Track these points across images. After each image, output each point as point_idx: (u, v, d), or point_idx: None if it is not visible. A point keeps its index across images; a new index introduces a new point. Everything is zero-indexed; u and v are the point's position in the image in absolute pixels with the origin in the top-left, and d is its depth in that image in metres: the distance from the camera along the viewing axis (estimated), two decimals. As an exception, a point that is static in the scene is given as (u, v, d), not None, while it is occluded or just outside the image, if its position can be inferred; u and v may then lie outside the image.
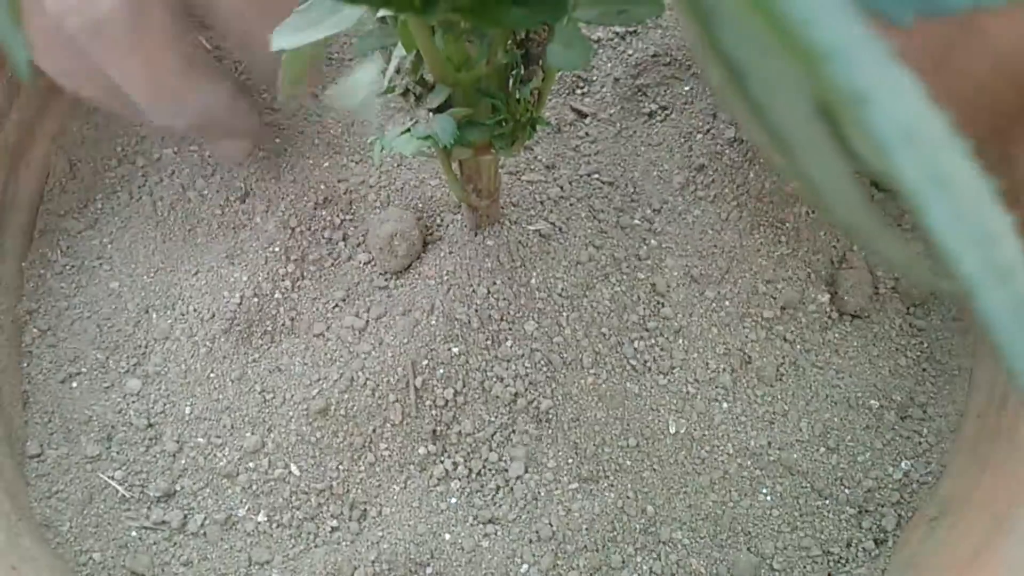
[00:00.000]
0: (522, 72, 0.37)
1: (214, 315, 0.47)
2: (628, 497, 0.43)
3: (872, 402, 0.45)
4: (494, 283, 0.45)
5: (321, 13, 0.33)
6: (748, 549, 0.42)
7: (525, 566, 0.42)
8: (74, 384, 0.47)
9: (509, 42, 0.35)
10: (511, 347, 0.44)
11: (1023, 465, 0.39)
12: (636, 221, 0.48)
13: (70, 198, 0.52)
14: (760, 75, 0.15)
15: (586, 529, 0.42)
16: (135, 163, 0.54)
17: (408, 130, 0.36)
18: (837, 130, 0.14)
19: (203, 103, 0.45)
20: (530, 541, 0.42)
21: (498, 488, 0.44)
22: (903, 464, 0.44)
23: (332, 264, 0.48)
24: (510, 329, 0.44)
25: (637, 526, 0.43)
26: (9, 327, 0.48)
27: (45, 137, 0.53)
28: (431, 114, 0.36)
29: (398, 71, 0.36)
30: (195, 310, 0.47)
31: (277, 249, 0.48)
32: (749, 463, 0.44)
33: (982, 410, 0.44)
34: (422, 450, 0.44)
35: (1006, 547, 0.36)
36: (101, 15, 0.39)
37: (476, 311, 0.44)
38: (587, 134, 0.51)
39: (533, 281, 0.45)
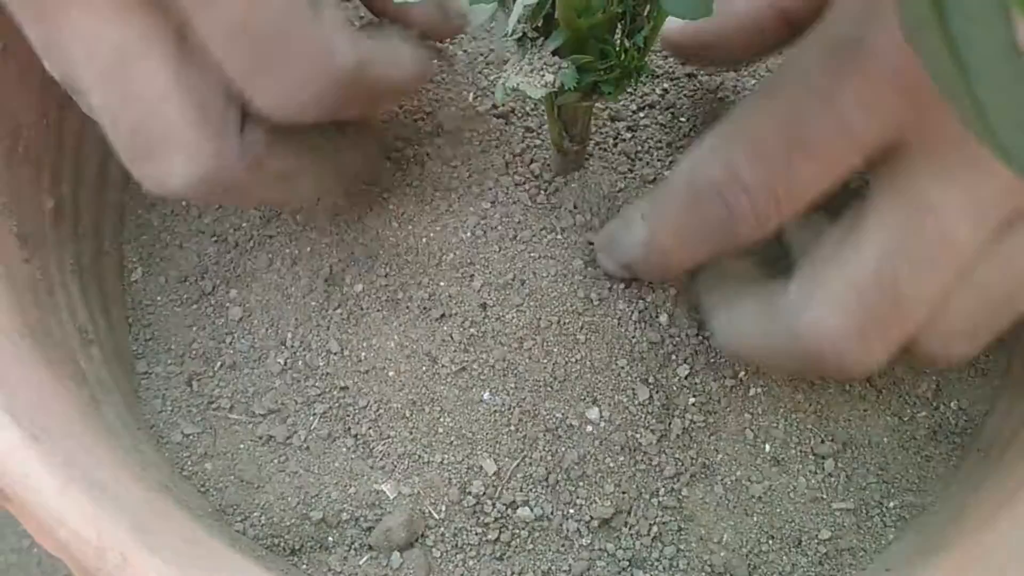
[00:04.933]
0: (631, 22, 0.40)
1: (315, 254, 0.50)
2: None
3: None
4: (580, 224, 0.48)
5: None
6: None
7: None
8: (178, 309, 0.50)
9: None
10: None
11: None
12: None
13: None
14: (963, 8, 0.17)
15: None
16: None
17: (532, 74, 0.39)
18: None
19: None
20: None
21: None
22: (952, 404, 0.48)
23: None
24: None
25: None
26: (114, 253, 0.51)
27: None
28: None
29: (519, 20, 0.39)
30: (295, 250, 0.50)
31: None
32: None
33: (1029, 357, 0.48)
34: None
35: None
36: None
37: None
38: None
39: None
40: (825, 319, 0.38)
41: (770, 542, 0.45)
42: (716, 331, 0.44)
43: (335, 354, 0.48)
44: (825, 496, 0.46)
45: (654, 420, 0.45)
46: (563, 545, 0.44)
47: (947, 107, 0.19)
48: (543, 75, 0.38)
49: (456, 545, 0.44)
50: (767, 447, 0.46)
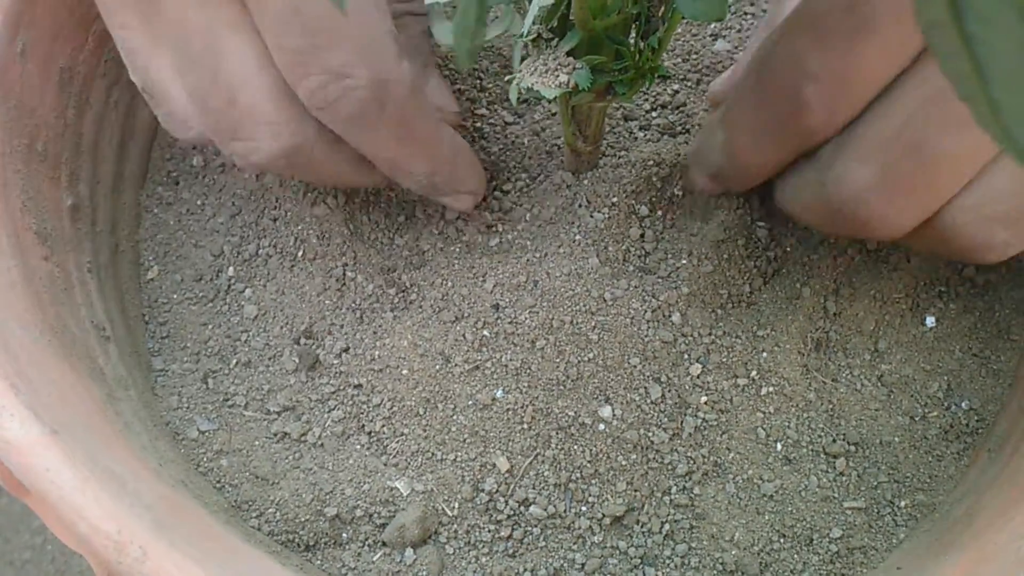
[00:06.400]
0: (645, 23, 0.40)
1: (328, 254, 0.50)
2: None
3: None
4: (593, 224, 0.48)
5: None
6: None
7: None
8: (193, 307, 0.51)
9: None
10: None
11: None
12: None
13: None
14: (978, 9, 0.18)
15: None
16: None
17: (547, 74, 0.39)
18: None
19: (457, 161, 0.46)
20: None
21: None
22: (963, 404, 0.48)
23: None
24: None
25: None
26: (130, 252, 0.52)
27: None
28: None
29: (534, 21, 0.40)
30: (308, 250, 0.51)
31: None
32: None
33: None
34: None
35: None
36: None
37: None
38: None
39: (629, 223, 0.49)
40: (850, 171, 0.38)
41: (781, 540, 0.45)
42: (775, 192, 0.45)
43: (349, 352, 0.48)
44: (837, 495, 0.46)
45: (666, 419, 0.46)
46: (575, 542, 0.45)
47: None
48: (557, 75, 0.39)
49: (469, 542, 0.45)
50: (779, 446, 0.46)
